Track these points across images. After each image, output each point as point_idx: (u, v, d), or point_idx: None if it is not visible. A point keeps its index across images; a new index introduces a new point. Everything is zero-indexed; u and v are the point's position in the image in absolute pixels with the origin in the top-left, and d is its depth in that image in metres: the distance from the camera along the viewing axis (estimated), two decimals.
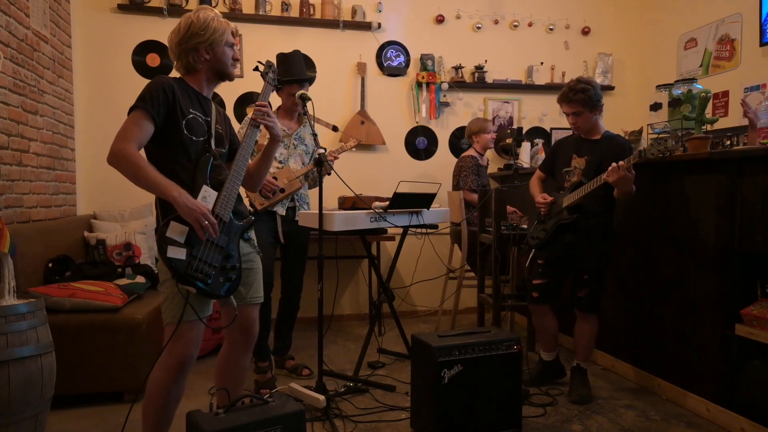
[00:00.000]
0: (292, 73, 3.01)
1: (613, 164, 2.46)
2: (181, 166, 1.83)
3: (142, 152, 1.83)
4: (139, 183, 1.73)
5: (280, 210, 2.98)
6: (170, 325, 1.81)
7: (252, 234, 2.05)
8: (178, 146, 1.82)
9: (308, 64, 4.31)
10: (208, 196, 1.80)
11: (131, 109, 1.77)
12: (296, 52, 3.07)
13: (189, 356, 1.82)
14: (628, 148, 2.70)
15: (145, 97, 1.77)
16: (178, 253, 1.71)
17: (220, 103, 4.16)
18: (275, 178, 2.92)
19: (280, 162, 3.03)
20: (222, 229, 1.81)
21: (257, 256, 2.06)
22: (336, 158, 3.08)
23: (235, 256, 1.85)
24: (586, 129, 2.78)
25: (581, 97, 2.68)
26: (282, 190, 2.93)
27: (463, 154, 4.14)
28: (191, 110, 1.86)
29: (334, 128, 3.11)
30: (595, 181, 2.57)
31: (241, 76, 4.21)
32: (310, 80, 3.15)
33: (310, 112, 2.72)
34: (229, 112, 4.24)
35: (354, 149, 3.31)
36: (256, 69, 2.14)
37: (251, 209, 2.94)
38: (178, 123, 1.81)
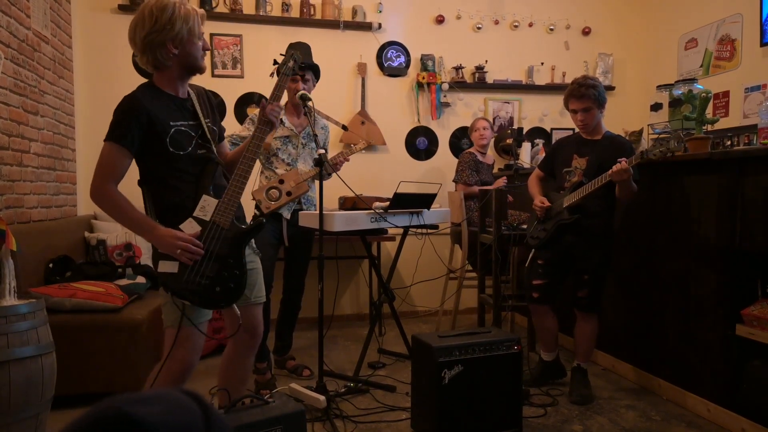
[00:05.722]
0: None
1: (616, 166, 2.44)
2: (180, 179, 1.80)
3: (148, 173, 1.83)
4: (120, 221, 1.76)
5: (286, 213, 2.96)
6: (170, 328, 1.80)
7: None
8: (168, 162, 1.78)
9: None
10: (207, 205, 1.79)
11: (106, 139, 1.73)
12: (301, 42, 3.02)
13: (191, 363, 1.82)
14: (630, 148, 2.71)
15: (115, 129, 1.72)
16: (169, 267, 1.73)
17: (221, 104, 4.15)
18: (281, 181, 2.87)
19: (288, 164, 2.97)
20: (218, 236, 1.78)
21: (256, 256, 2.05)
22: (347, 160, 3.02)
23: (234, 263, 1.80)
24: (592, 127, 2.78)
25: (592, 92, 2.68)
26: (288, 194, 2.87)
27: (464, 151, 4.27)
28: (171, 123, 1.78)
29: (344, 127, 3.09)
30: (598, 180, 2.56)
31: (242, 77, 4.22)
32: (315, 70, 3.01)
33: (314, 111, 2.70)
34: (229, 112, 4.23)
35: (363, 151, 3.30)
36: (276, 63, 2.11)
37: (257, 212, 2.93)
38: (160, 142, 1.76)
